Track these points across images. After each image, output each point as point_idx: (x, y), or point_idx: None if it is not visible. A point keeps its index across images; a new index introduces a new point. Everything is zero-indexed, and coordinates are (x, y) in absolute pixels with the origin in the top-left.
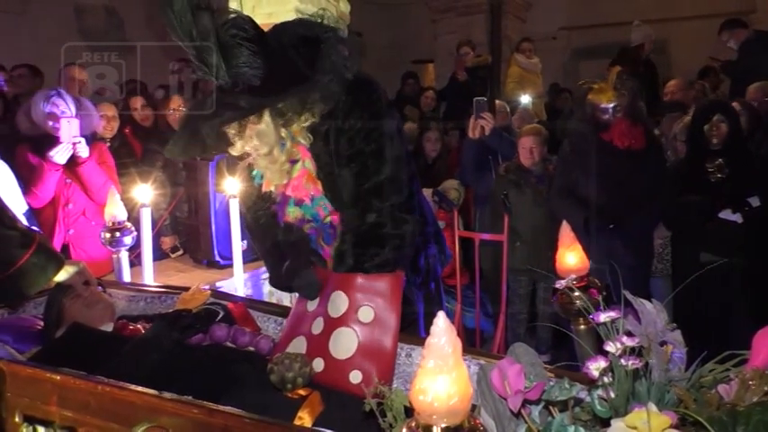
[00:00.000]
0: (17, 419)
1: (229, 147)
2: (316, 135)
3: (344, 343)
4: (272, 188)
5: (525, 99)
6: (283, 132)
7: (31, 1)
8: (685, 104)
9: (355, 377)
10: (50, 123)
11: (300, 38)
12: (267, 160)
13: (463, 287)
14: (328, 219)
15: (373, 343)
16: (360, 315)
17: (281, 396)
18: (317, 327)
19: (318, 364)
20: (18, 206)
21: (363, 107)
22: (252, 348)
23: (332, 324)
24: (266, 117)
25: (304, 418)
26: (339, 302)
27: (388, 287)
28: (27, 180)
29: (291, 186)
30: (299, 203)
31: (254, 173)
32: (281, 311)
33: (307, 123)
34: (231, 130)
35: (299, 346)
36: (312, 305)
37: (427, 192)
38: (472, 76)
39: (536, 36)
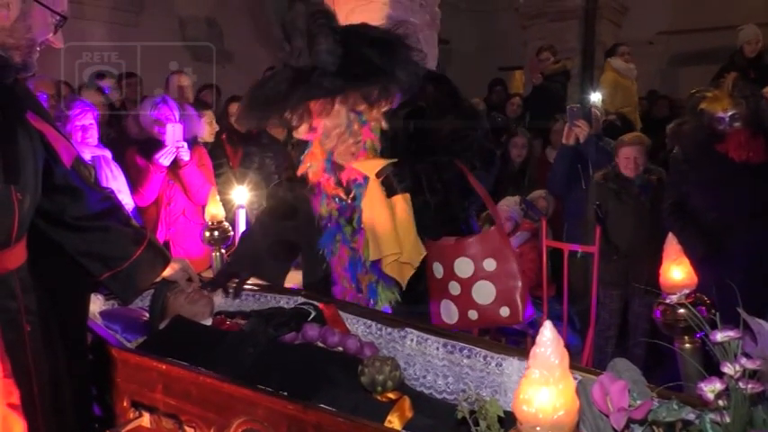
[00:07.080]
0: (125, 404)
1: (294, 127)
2: (393, 119)
3: (484, 293)
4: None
5: (595, 97)
6: (351, 116)
7: (142, 14)
8: None
9: (504, 312)
10: (156, 128)
11: (371, 38)
12: (337, 140)
13: (550, 299)
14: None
15: (504, 281)
16: (485, 267)
17: (370, 398)
18: (455, 289)
19: (473, 315)
20: (126, 205)
21: (447, 96)
22: (340, 348)
23: (467, 283)
24: (341, 100)
25: (393, 422)
26: (464, 266)
27: (495, 235)
28: (134, 181)
29: (354, 166)
30: (349, 184)
31: (309, 165)
32: (371, 314)
33: (385, 108)
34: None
35: (449, 307)
36: (439, 273)
37: (513, 199)
38: (550, 82)
39: (632, 41)
